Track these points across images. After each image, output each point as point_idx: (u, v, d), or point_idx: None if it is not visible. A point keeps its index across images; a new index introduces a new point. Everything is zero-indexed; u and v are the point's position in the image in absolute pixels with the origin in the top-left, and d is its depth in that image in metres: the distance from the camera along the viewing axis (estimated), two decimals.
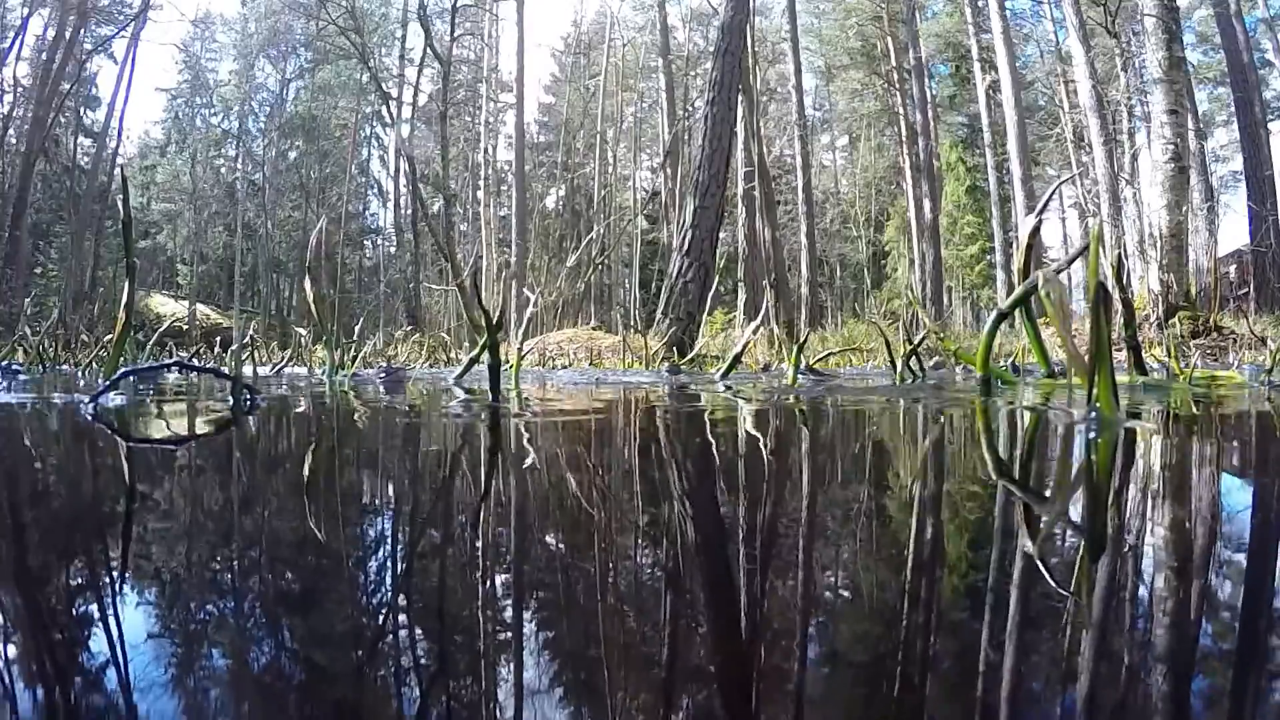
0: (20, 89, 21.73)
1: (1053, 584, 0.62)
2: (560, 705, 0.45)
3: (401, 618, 0.57)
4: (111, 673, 0.46)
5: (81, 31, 22.52)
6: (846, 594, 0.63)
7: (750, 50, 15.37)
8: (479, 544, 0.80)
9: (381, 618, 0.58)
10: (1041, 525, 0.86)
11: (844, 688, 0.47)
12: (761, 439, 1.75)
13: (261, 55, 32.46)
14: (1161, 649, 0.50)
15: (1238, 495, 1.09)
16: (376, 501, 1.07)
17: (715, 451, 1.57)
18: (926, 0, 27.39)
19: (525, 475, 1.23)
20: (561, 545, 0.80)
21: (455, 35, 22.55)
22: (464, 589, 0.65)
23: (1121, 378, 2.96)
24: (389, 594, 0.64)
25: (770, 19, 27.12)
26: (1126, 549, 0.74)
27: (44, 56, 21.32)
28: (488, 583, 0.66)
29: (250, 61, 32.26)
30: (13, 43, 21.38)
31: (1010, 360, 4.33)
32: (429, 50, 20.58)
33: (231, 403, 2.46)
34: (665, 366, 6.73)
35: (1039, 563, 0.68)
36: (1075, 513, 0.93)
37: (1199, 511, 0.93)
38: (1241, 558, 0.73)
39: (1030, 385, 3.21)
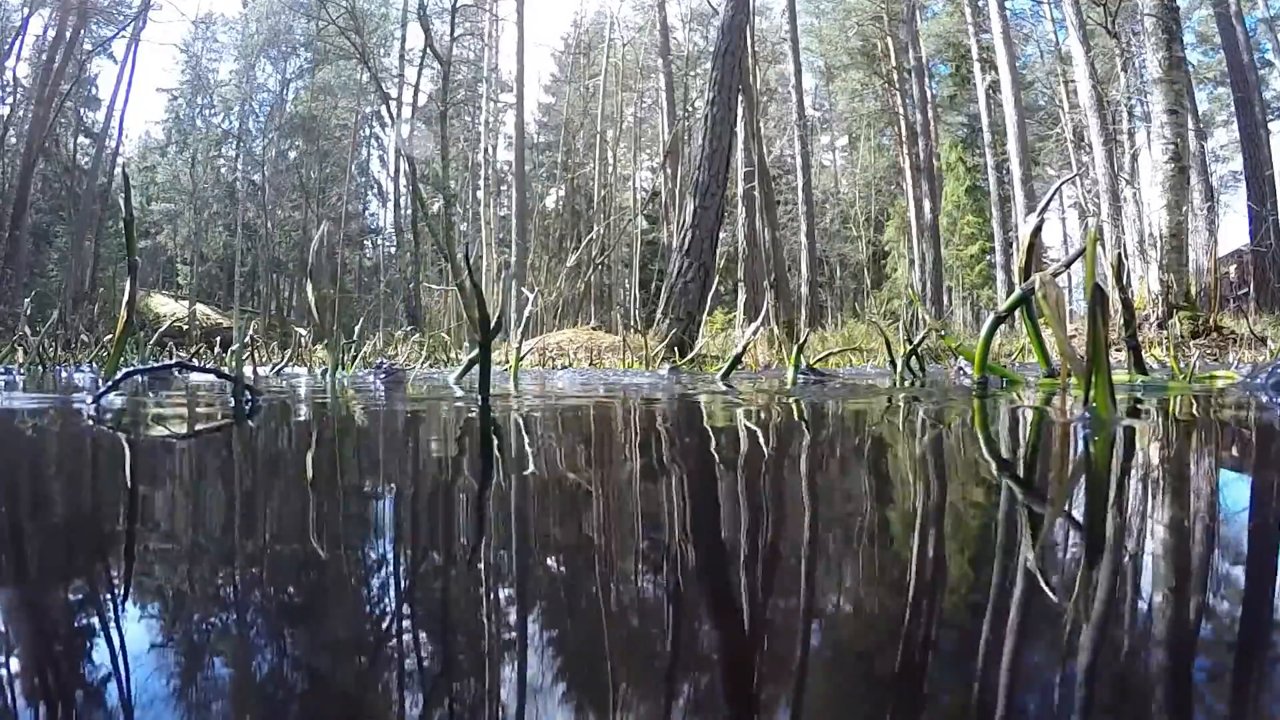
0: (20, 89, 21.74)
1: (1045, 583, 0.62)
2: (562, 708, 0.45)
3: (404, 621, 0.58)
4: (113, 677, 0.46)
5: (81, 31, 22.53)
6: (846, 592, 0.63)
7: (750, 50, 15.37)
8: (477, 547, 0.80)
9: (382, 622, 0.58)
10: (1029, 524, 0.86)
11: (852, 690, 0.47)
12: (762, 440, 1.75)
13: (262, 55, 32.47)
14: (1156, 647, 0.50)
15: (1231, 493, 1.09)
16: (372, 503, 1.07)
17: (715, 453, 1.57)
18: (926, 0, 27.40)
19: (521, 479, 1.23)
20: (556, 547, 0.80)
21: (455, 35, 22.57)
22: (462, 595, 0.66)
23: (1122, 377, 2.96)
24: (389, 597, 0.64)
25: (770, 19, 27.15)
26: (1117, 548, 0.75)
27: (44, 56, 21.33)
28: (487, 592, 0.66)
29: (250, 61, 32.27)
30: (13, 43, 21.40)
31: (1011, 359, 4.34)
32: (429, 50, 20.59)
33: (232, 403, 2.46)
34: (665, 367, 6.72)
35: (1030, 561, 0.68)
36: (1067, 512, 0.93)
37: (1191, 509, 0.94)
38: (1235, 555, 0.73)
39: (1031, 385, 3.21)
